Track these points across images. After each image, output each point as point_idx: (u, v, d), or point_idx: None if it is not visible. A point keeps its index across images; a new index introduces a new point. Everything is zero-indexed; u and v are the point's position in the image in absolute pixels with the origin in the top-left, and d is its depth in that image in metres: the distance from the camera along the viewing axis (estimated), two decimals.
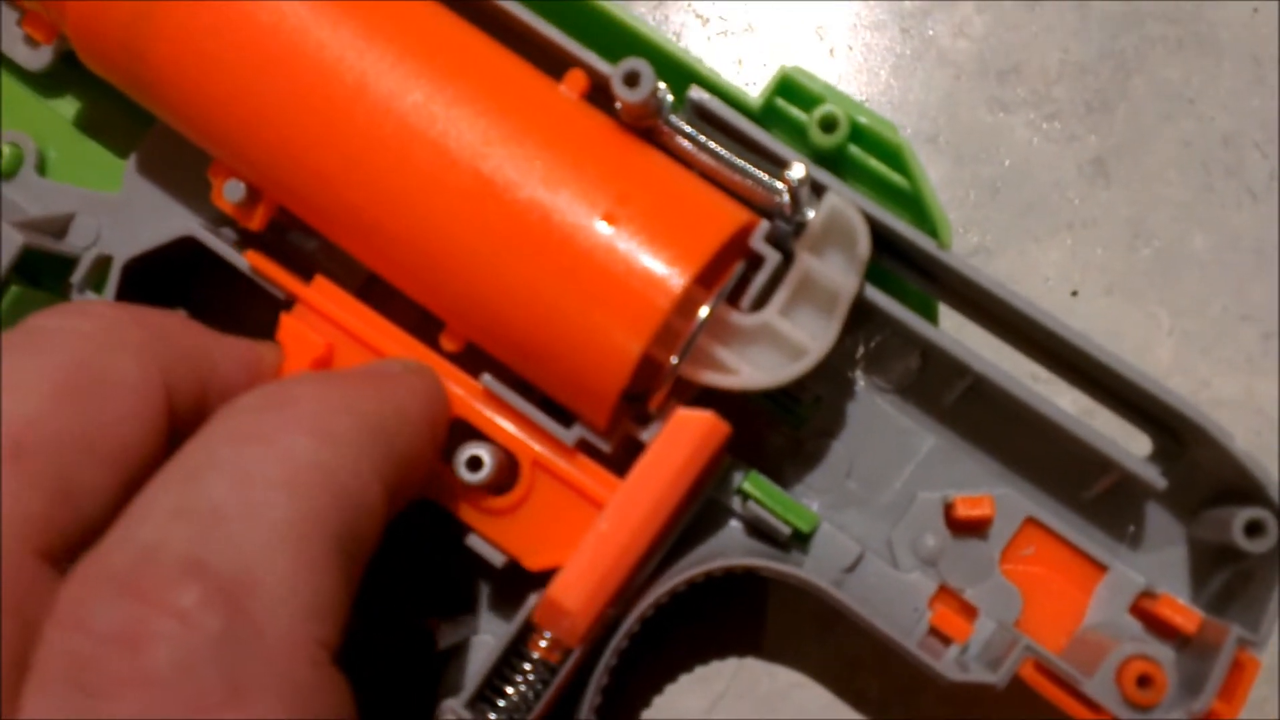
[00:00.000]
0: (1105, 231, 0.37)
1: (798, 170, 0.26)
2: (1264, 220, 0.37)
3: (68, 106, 0.34)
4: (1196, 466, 0.29)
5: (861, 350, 0.31)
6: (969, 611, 0.30)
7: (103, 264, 0.32)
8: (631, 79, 0.27)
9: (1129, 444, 0.29)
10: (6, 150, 0.33)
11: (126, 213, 0.32)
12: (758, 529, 0.30)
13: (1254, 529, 0.27)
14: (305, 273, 0.30)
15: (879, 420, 0.31)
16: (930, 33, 0.38)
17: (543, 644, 0.27)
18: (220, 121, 0.28)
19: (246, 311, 0.32)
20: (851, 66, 0.38)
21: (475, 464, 0.28)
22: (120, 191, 0.33)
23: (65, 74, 0.34)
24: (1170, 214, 0.37)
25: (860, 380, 0.31)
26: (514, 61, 0.29)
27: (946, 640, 0.29)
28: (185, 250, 0.32)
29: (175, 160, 0.32)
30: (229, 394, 0.23)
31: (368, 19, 0.27)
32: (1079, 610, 0.30)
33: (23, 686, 0.18)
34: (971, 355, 0.29)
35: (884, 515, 0.31)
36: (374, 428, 0.22)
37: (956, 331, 0.30)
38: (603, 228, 0.27)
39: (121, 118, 0.33)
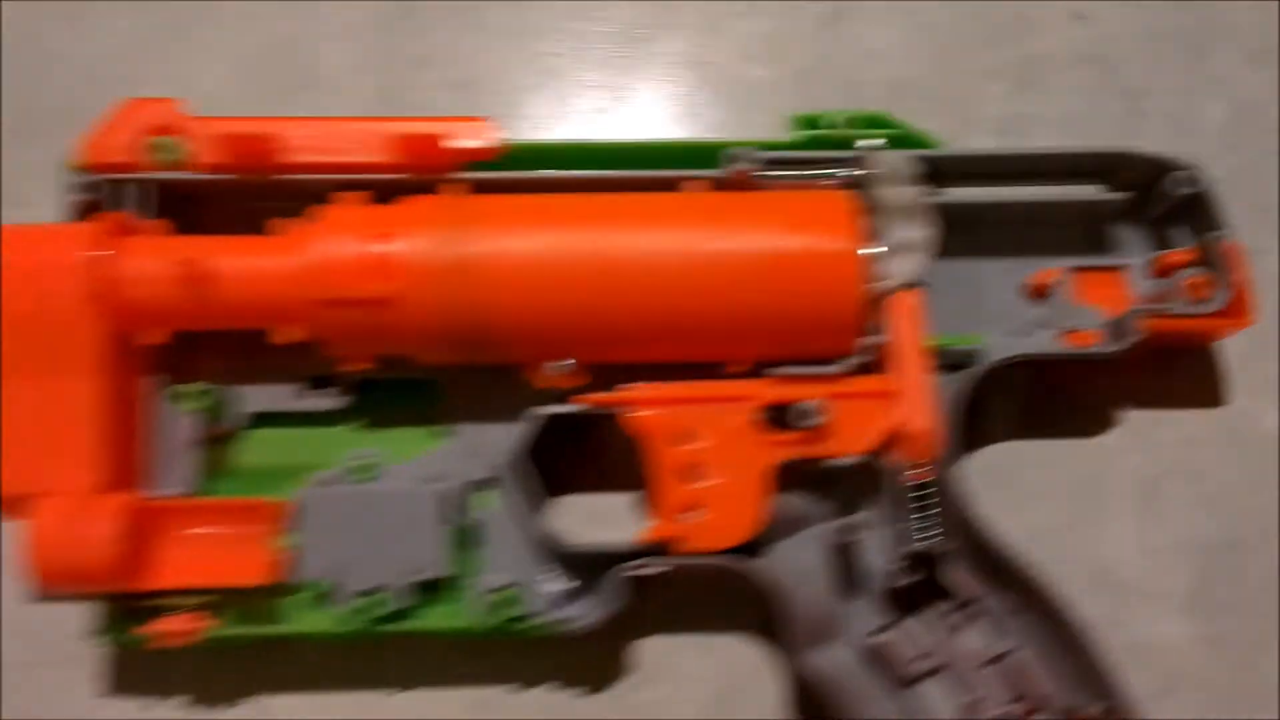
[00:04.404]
0: None
1: (869, 141, 0.44)
2: None
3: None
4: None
5: None
6: None
7: None
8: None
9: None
10: None
11: None
12: None
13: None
14: None
15: None
16: None
17: (913, 473, 0.43)
18: (550, 320, 0.42)
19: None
20: None
21: (803, 415, 0.43)
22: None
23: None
24: None
25: None
26: (665, 195, 0.45)
27: None
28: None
29: None
30: None
31: (584, 214, 0.43)
32: None
33: None
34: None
35: None
36: None
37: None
38: (779, 239, 0.43)
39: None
